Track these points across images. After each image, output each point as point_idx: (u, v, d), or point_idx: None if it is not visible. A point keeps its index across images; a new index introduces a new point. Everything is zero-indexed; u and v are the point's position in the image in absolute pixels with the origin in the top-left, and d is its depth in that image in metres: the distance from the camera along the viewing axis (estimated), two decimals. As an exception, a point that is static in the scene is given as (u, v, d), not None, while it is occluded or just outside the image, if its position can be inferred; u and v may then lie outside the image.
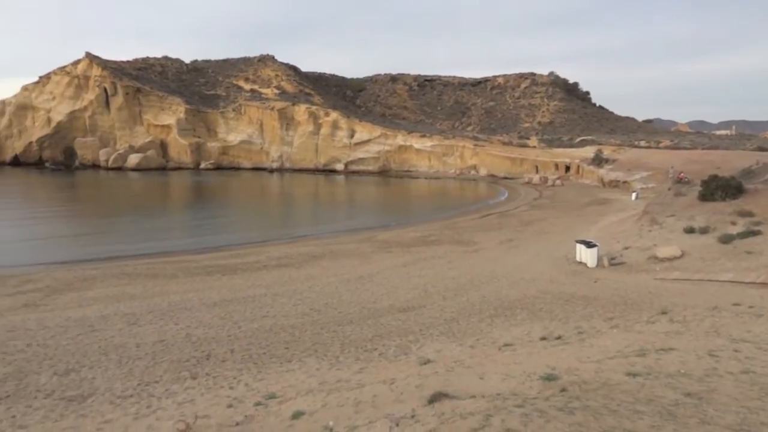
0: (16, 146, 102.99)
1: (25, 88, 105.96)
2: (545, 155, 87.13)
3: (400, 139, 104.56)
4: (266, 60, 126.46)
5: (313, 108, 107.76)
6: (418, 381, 6.80)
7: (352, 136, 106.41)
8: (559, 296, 15.94)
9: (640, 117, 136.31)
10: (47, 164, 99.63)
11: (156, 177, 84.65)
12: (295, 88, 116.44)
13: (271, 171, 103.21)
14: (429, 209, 49.26)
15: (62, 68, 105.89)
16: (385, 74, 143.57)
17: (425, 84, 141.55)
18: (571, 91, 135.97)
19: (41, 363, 10.80)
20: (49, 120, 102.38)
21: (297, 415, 6.03)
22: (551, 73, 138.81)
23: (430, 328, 13.17)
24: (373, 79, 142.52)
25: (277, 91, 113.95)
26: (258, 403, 7.25)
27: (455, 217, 42.01)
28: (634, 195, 48.10)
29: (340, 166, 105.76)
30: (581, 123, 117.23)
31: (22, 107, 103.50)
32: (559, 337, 10.23)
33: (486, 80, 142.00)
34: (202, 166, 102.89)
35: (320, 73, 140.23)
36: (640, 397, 5.29)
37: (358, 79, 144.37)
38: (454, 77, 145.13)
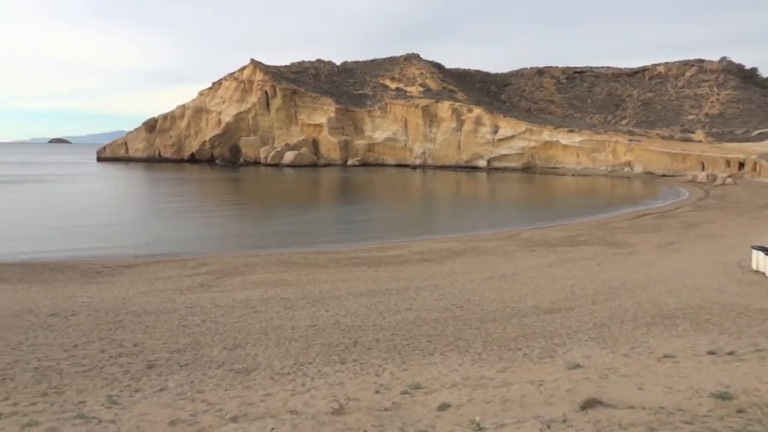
0: (192, 145, 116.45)
1: (201, 94, 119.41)
2: (713, 150, 78.23)
3: (546, 135, 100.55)
4: (411, 58, 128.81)
5: (457, 104, 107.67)
6: (568, 385, 6.52)
7: (495, 132, 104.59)
8: (729, 308, 14.26)
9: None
10: (217, 161, 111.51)
11: (308, 173, 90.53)
12: (439, 86, 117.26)
13: (414, 168, 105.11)
14: (576, 208, 46.78)
15: (231, 74, 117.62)
16: (531, 68, 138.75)
17: (574, 76, 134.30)
18: (747, 78, 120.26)
19: (213, 337, 12.11)
20: (219, 121, 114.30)
21: (443, 407, 6.11)
22: (723, 59, 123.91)
23: (577, 332, 12.54)
24: (519, 74, 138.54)
25: (421, 89, 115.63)
26: (404, 392, 7.46)
27: (606, 217, 39.42)
28: (828, 196, 41.37)
29: (482, 163, 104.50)
30: (760, 114, 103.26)
31: (198, 110, 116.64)
32: (731, 353, 9.15)
33: (644, 69, 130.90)
34: (350, 162, 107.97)
35: (464, 69, 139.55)
36: (841, 429, 4.55)
37: (502, 74, 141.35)
38: (608, 68, 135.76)
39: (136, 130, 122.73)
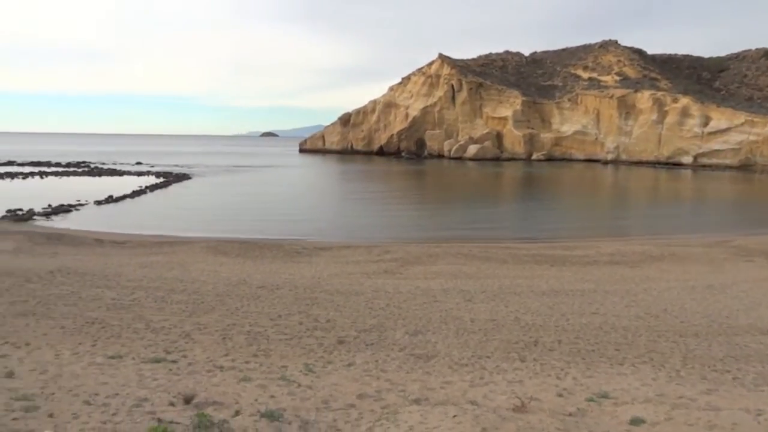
0: (381, 138, 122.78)
1: (390, 89, 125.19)
2: None
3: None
4: (608, 45, 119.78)
5: (659, 94, 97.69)
6: (795, 420, 5.58)
7: (705, 125, 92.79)
8: None
9: None
10: (403, 154, 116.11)
11: (490, 167, 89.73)
12: (638, 74, 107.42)
13: (605, 163, 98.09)
14: (811, 214, 39.45)
15: (419, 69, 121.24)
16: (756, 49, 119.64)
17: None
18: None
19: (396, 321, 12.71)
20: (406, 115, 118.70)
21: (636, 422, 5.66)
22: None
23: (807, 361, 10.61)
24: (740, 57, 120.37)
25: (617, 78, 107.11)
26: (590, 399, 7.06)
27: None
28: None
29: (687, 159, 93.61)
30: None
31: (388, 105, 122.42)
32: None
33: None
34: (534, 157, 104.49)
35: (669, 54, 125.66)
36: None
37: (717, 58, 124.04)
38: None
39: (332, 124, 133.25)
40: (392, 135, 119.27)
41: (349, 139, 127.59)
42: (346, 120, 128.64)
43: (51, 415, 5.00)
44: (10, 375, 6.93)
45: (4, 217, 31.74)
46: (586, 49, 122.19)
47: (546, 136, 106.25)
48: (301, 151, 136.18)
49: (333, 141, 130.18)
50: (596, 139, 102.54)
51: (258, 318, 12.58)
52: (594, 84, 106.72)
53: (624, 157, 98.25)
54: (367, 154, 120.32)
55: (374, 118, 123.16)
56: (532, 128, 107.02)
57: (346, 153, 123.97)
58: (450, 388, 7.99)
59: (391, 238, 28.30)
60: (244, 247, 23.39)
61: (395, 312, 13.56)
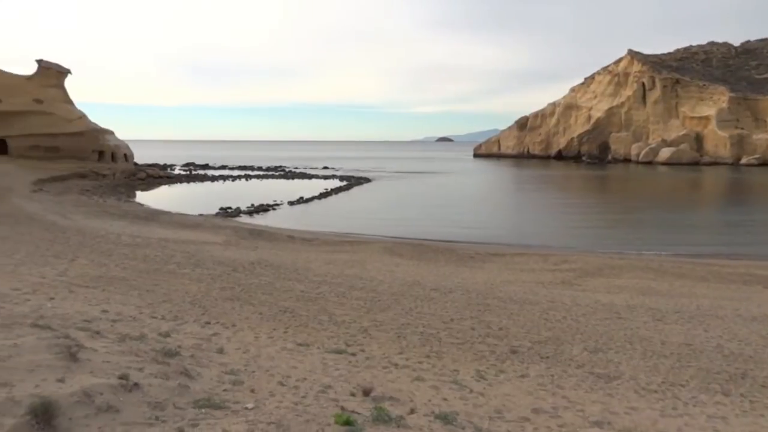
0: (560, 142, 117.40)
1: (572, 90, 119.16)
2: None
3: None
4: None
5: None
6: None
7: None
8: None
9: None
10: (584, 158, 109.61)
11: (686, 172, 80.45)
12: None
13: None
14: None
15: (605, 68, 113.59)
16: None
17: None
18: None
19: (574, 336, 12.00)
20: (589, 117, 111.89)
21: None
22: None
23: None
24: None
25: None
26: (819, 452, 5.92)
27: None
28: None
29: None
30: None
31: (568, 107, 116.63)
32: None
33: None
34: (743, 161, 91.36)
35: None
36: None
37: None
38: None
39: (508, 128, 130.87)
40: (572, 138, 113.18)
41: (526, 143, 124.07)
42: (522, 124, 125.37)
43: (252, 391, 5.63)
44: (220, 351, 7.98)
45: (217, 213, 36.85)
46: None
47: (760, 138, 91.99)
48: (476, 155, 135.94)
49: (509, 145, 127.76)
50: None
51: (431, 320, 12.79)
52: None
53: None
54: (544, 158, 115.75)
55: (553, 121, 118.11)
56: (742, 128, 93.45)
57: (522, 157, 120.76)
58: (636, 414, 7.30)
59: (569, 246, 26.87)
60: (418, 249, 24.03)
61: (573, 326, 12.81)
